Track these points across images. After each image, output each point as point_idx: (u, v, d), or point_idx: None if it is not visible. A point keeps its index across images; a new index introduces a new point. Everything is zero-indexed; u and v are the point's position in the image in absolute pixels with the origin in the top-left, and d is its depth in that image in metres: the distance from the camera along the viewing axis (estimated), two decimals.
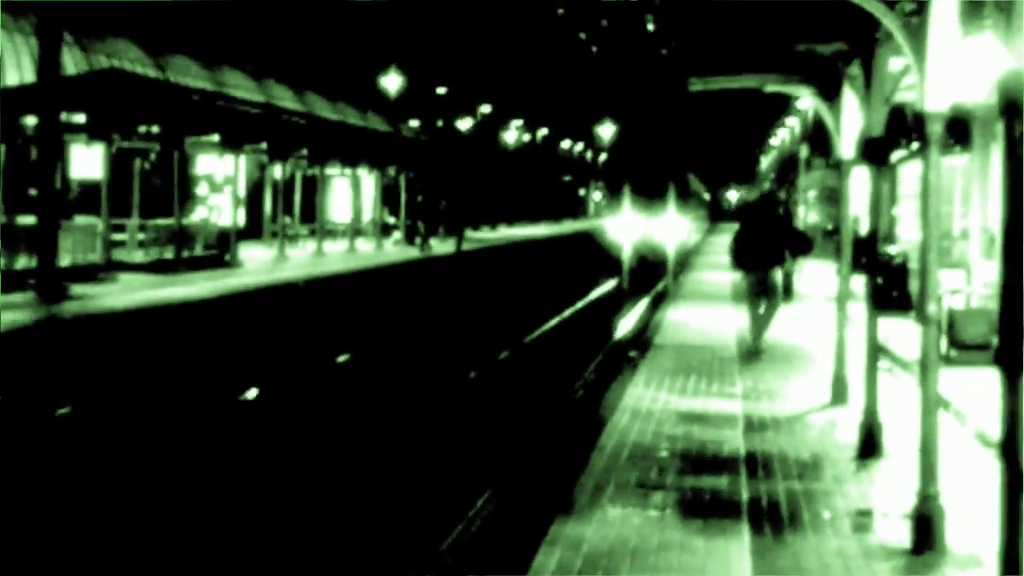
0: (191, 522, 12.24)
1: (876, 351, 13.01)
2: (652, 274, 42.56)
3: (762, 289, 20.69)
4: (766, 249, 20.66)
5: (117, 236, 33.86)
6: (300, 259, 42.45)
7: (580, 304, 37.39)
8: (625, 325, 30.23)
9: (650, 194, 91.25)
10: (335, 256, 45.39)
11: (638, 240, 55.15)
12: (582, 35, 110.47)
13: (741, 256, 21.01)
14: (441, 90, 65.78)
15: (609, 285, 42.41)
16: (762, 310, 20.69)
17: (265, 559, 11.27)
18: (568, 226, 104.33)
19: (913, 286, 22.90)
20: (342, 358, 24.43)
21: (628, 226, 56.95)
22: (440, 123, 67.52)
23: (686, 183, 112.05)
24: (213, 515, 12.58)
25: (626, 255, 44.56)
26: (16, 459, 14.66)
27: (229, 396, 20.03)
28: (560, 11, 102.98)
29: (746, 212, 21.77)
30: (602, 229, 66.27)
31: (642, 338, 24.68)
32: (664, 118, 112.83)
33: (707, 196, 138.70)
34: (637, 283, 40.17)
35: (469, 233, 60.25)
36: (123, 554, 11.15)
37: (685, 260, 48.22)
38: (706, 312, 28.05)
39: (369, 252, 49.29)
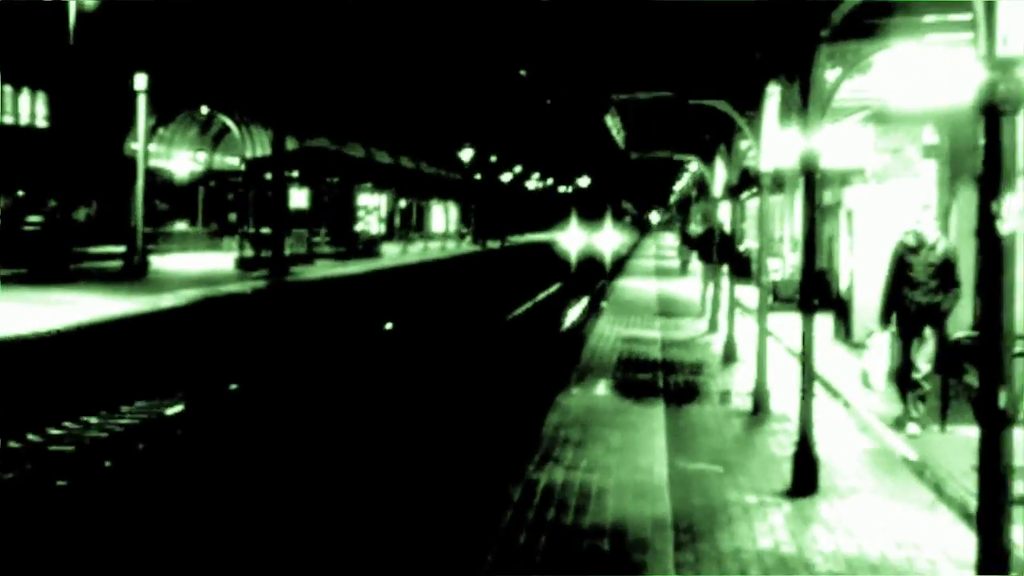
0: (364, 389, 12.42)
1: (734, 303, 13.06)
2: (600, 267, 42.26)
3: (711, 276, 19.77)
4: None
5: (315, 239, 33.89)
6: (415, 252, 42.37)
7: (564, 275, 37.28)
8: (591, 291, 30.19)
9: (594, 215, 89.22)
10: (434, 250, 45.29)
11: (582, 246, 54.66)
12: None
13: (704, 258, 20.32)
14: (493, 157, 65.46)
15: (571, 266, 42.55)
16: (710, 289, 19.69)
17: (416, 403, 11.46)
18: (559, 234, 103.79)
19: (754, 267, 22.84)
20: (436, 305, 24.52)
21: (573, 238, 56.73)
22: (492, 176, 67.22)
23: (620, 206, 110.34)
24: (391, 377, 12.76)
25: (572, 255, 44.48)
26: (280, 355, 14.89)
27: (377, 326, 20.23)
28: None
29: (702, 235, 20.94)
30: (557, 240, 65.31)
31: (602, 296, 24.65)
32: (612, 171, 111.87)
33: (636, 214, 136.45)
34: (589, 272, 39.81)
35: (509, 238, 60.08)
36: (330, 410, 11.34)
37: (622, 259, 47.32)
38: (639, 283, 28.00)
39: (453, 248, 49.06)
